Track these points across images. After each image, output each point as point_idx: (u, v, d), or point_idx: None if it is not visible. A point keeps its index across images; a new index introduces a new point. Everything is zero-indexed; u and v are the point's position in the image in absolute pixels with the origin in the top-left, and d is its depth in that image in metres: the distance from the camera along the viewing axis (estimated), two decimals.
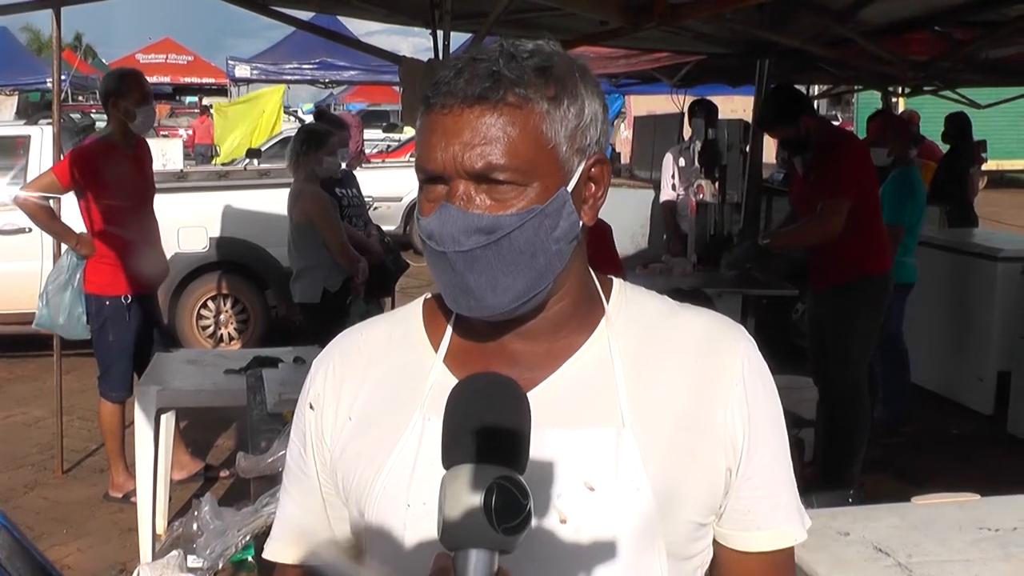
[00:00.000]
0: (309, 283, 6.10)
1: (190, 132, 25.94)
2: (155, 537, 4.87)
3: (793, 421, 3.91)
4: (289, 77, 23.18)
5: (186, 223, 8.27)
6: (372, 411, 1.37)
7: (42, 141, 8.33)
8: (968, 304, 7.50)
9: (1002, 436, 6.91)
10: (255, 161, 13.92)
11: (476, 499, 1.02)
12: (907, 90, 10.94)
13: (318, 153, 6.02)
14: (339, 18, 13.71)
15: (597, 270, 1.42)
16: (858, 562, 2.46)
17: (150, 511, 4.82)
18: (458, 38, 6.25)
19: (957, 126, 10.05)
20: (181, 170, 12.67)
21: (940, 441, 6.87)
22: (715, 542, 1.40)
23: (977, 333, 7.40)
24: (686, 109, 9.39)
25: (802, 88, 11.22)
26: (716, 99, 8.78)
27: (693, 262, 7.02)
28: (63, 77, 7.26)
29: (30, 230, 7.52)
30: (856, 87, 12.72)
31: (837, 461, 5.40)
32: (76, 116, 17.47)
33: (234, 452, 5.91)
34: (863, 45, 6.71)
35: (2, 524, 1.37)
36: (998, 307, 7.25)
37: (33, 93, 24.65)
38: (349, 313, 6.03)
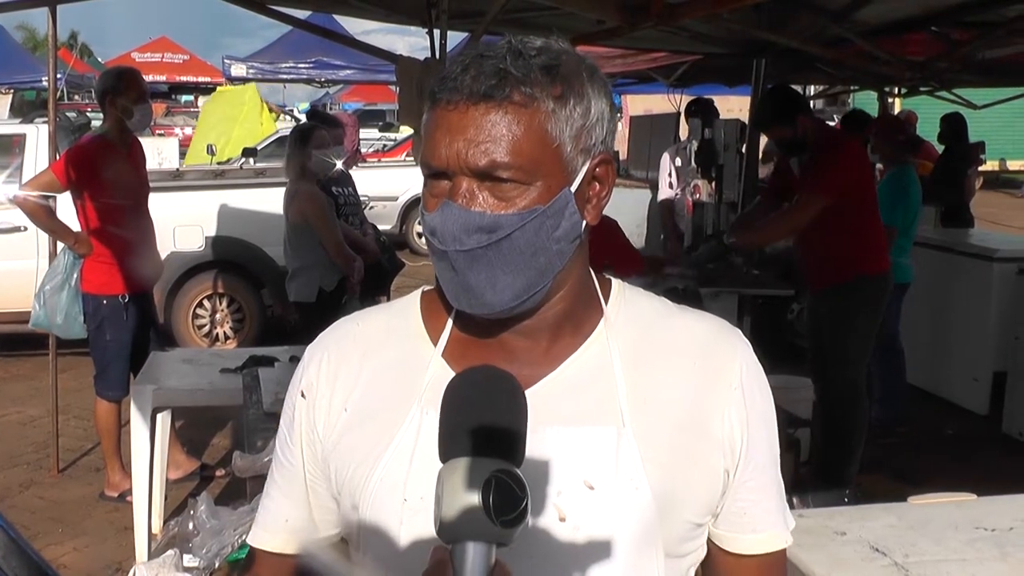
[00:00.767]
0: (305, 282, 6.10)
1: (188, 131, 25.91)
2: (151, 536, 4.86)
3: (789, 421, 3.91)
4: (285, 76, 23.18)
5: (182, 222, 8.27)
6: (368, 404, 1.36)
7: (38, 140, 8.31)
8: (964, 304, 7.51)
9: (998, 436, 6.92)
10: (251, 160, 13.89)
11: (474, 492, 1.02)
12: (904, 90, 10.94)
13: (304, 149, 6.03)
14: (335, 17, 13.73)
15: (616, 266, 1.43)
16: (855, 562, 2.46)
17: (146, 510, 4.81)
18: (455, 37, 6.26)
19: (953, 127, 10.05)
20: (177, 169, 12.66)
21: (936, 441, 6.88)
22: (710, 543, 1.41)
23: (973, 333, 7.41)
24: (683, 109, 9.39)
25: (799, 88, 11.24)
26: (712, 99, 8.77)
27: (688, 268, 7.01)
28: (59, 75, 7.25)
29: (26, 229, 7.51)
30: (853, 87, 12.71)
31: (834, 461, 5.41)
32: (72, 115, 17.46)
33: (230, 451, 5.91)
34: (860, 45, 6.71)
35: None
36: (994, 307, 7.26)
37: (28, 91, 24.60)
38: (345, 312, 6.02)
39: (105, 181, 5.49)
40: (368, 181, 10.90)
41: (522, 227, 1.24)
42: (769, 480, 1.40)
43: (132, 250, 5.62)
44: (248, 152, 14.11)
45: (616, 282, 1.43)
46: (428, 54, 5.95)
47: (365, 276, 6.29)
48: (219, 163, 14.22)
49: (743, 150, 7.54)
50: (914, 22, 6.55)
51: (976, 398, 7.36)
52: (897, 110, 12.70)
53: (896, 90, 10.98)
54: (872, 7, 6.06)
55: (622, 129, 14.70)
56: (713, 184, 7.20)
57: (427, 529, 1.08)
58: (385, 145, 22.14)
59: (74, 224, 5.68)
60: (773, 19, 6.48)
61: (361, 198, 7.23)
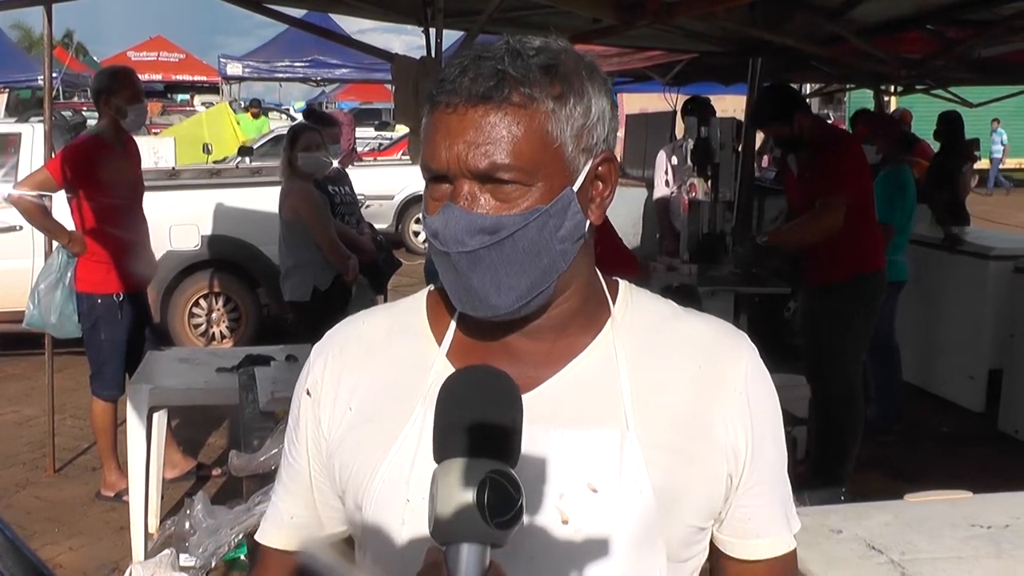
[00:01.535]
0: (299, 281, 6.10)
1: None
2: (147, 536, 4.86)
3: (786, 419, 3.90)
4: (281, 75, 23.21)
5: (178, 221, 8.27)
6: (373, 403, 1.36)
7: (33, 139, 8.30)
8: (960, 302, 7.52)
9: (993, 434, 6.93)
10: (247, 159, 13.88)
11: (468, 493, 1.02)
12: (899, 89, 10.95)
13: (293, 150, 6.05)
14: (331, 16, 13.72)
15: (609, 266, 1.42)
16: (851, 559, 2.46)
17: (142, 510, 4.80)
18: (450, 36, 6.26)
19: (949, 125, 10.06)
20: (173, 168, 12.64)
21: (932, 439, 6.89)
22: (717, 551, 1.41)
23: (968, 331, 7.42)
24: (679, 107, 9.39)
25: (795, 86, 11.23)
26: (709, 98, 8.76)
27: (685, 260, 7.02)
28: (54, 74, 7.23)
29: (21, 228, 7.50)
30: (848, 86, 12.71)
31: (830, 459, 5.41)
32: (67, 114, 17.41)
33: (226, 450, 5.88)
34: (856, 43, 6.72)
35: None
36: (989, 305, 7.27)
37: (24, 90, 24.55)
38: (354, 305, 6.05)
39: (100, 180, 5.48)
40: (364, 180, 10.91)
41: (524, 227, 1.23)
42: (774, 485, 1.40)
43: (127, 249, 5.61)
44: (244, 151, 14.11)
45: (623, 283, 1.43)
46: (424, 53, 5.95)
47: (361, 275, 6.29)
48: (215, 162, 14.21)
49: (739, 148, 7.54)
50: (910, 20, 6.56)
51: (972, 396, 7.38)
52: (893, 108, 12.71)
53: (892, 88, 10.98)
54: (867, 5, 6.06)
55: (618, 128, 14.65)
56: (709, 183, 7.19)
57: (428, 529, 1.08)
58: (381, 144, 22.13)
59: (69, 223, 5.67)
60: (768, 17, 6.48)
61: (358, 197, 7.23)
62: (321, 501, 1.43)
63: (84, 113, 19.26)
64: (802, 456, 5.06)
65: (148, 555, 4.63)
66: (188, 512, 4.52)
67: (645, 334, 1.36)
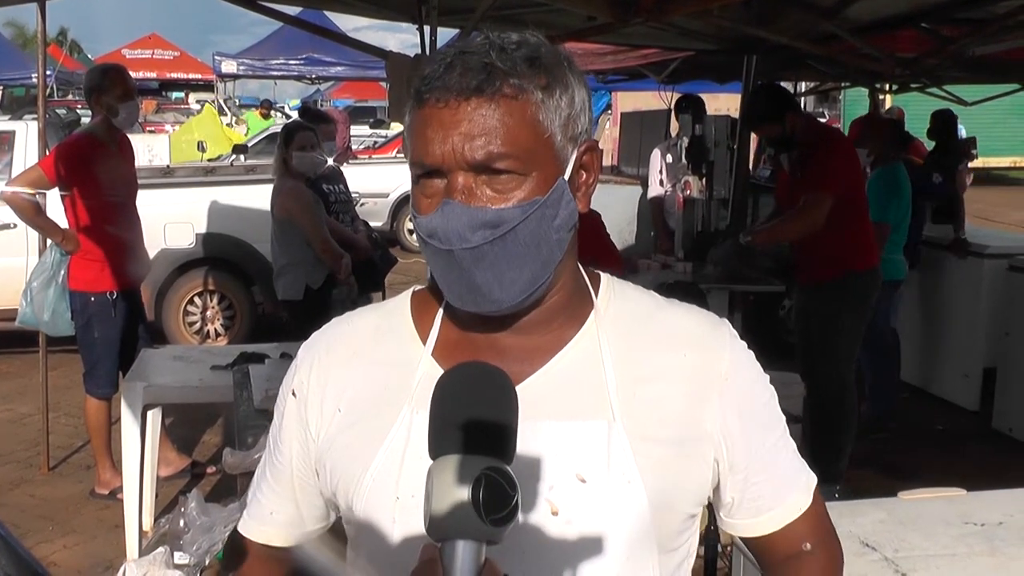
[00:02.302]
0: (291, 280, 6.10)
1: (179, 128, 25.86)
2: (142, 534, 4.86)
3: None
4: (275, 73, 23.18)
5: (172, 219, 8.26)
6: (360, 404, 1.36)
7: (27, 136, 8.29)
8: (954, 301, 7.53)
9: (987, 432, 6.95)
10: (241, 157, 13.87)
11: (463, 490, 1.01)
12: (894, 87, 10.95)
13: (287, 149, 6.05)
14: (326, 13, 13.68)
15: (595, 261, 1.43)
16: (845, 557, 2.45)
17: (136, 508, 4.80)
18: (445, 34, 6.25)
19: (943, 123, 10.05)
20: (167, 166, 12.63)
21: (926, 437, 6.90)
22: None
23: (963, 329, 7.42)
24: (673, 105, 9.39)
25: (789, 85, 11.24)
26: (702, 96, 8.76)
27: (680, 258, 7.03)
28: (48, 72, 7.22)
29: (15, 226, 7.48)
30: (843, 84, 12.71)
31: (824, 457, 5.41)
32: (62, 112, 17.38)
33: (221, 448, 5.91)
34: (850, 42, 6.71)
35: None
36: (984, 304, 7.27)
37: (18, 88, 24.53)
38: (335, 305, 6.04)
39: (94, 178, 5.47)
40: (359, 178, 10.89)
41: (525, 220, 1.24)
42: (774, 460, 1.42)
43: (120, 247, 5.60)
44: (238, 149, 14.09)
45: (605, 276, 1.44)
46: (418, 50, 5.95)
47: (356, 273, 6.29)
48: (209, 160, 14.20)
49: (734, 146, 7.54)
50: (904, 18, 6.56)
51: (966, 394, 7.39)
52: (887, 106, 12.71)
53: (887, 87, 10.98)
54: (862, 3, 6.06)
55: (612, 127, 14.67)
56: (704, 181, 7.20)
57: (419, 527, 1.08)
58: (376, 142, 22.09)
59: (63, 221, 5.66)
60: (763, 15, 6.49)
61: (352, 195, 7.23)
62: (303, 500, 1.45)
63: (78, 111, 19.23)
64: None
65: (142, 553, 4.63)
66: (182, 510, 4.53)
67: (628, 326, 1.38)
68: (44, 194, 5.73)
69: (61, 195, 5.59)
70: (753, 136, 8.02)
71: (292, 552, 1.48)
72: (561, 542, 1.27)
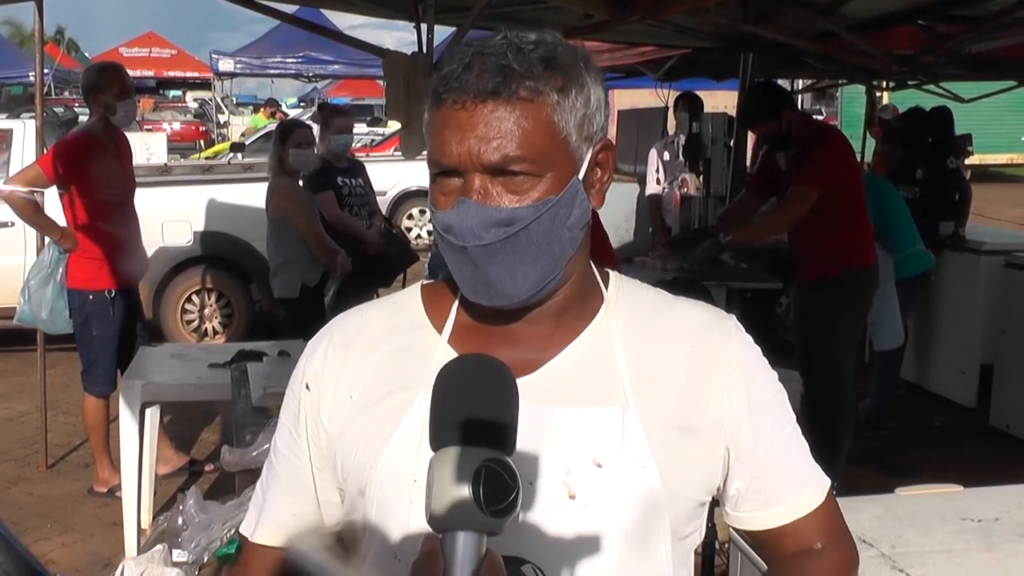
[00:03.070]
0: (287, 279, 6.11)
1: (176, 126, 25.86)
2: (140, 531, 4.86)
3: None
4: (273, 71, 23.15)
5: (170, 217, 8.26)
6: (375, 391, 1.37)
7: (24, 135, 8.28)
8: (951, 297, 7.53)
9: (984, 428, 6.96)
10: (239, 155, 13.84)
11: (464, 483, 1.02)
12: (891, 84, 10.95)
13: (284, 147, 6.05)
14: (323, 11, 13.67)
15: (592, 257, 1.45)
16: None
17: (135, 505, 4.81)
18: (442, 32, 6.26)
19: (939, 120, 10.04)
20: (165, 164, 12.61)
21: (923, 433, 6.91)
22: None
23: (960, 326, 7.43)
24: (670, 103, 9.38)
25: (786, 83, 11.23)
26: (699, 94, 8.76)
27: (659, 255, 7.01)
28: (45, 71, 7.22)
29: (13, 224, 7.48)
30: (840, 81, 12.71)
31: (822, 454, 5.40)
32: (59, 110, 17.38)
33: (219, 446, 5.90)
34: (847, 39, 6.72)
35: None
36: (981, 300, 7.28)
37: (15, 86, 24.52)
38: (329, 300, 6.06)
39: (91, 176, 5.47)
40: None
41: (538, 218, 1.26)
42: (783, 451, 1.44)
43: (118, 245, 5.60)
44: (236, 147, 14.08)
45: (614, 273, 1.47)
46: (415, 48, 5.95)
47: (366, 268, 6.28)
48: (207, 158, 14.18)
49: (731, 144, 7.54)
50: (901, 16, 6.56)
51: (964, 391, 7.39)
52: (884, 103, 12.72)
53: (884, 84, 10.99)
54: (859, 1, 6.06)
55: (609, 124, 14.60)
56: (701, 178, 7.20)
57: None
58: (373, 140, 22.06)
59: (61, 219, 5.65)
60: (760, 13, 6.48)
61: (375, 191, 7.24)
62: (323, 498, 1.45)
63: (76, 109, 19.22)
64: None
65: (140, 551, 4.62)
66: (180, 508, 4.52)
67: (638, 318, 1.41)
68: (42, 192, 5.72)
69: (59, 193, 5.58)
70: (750, 134, 8.02)
71: (286, 552, 1.46)
72: (577, 524, 1.29)
